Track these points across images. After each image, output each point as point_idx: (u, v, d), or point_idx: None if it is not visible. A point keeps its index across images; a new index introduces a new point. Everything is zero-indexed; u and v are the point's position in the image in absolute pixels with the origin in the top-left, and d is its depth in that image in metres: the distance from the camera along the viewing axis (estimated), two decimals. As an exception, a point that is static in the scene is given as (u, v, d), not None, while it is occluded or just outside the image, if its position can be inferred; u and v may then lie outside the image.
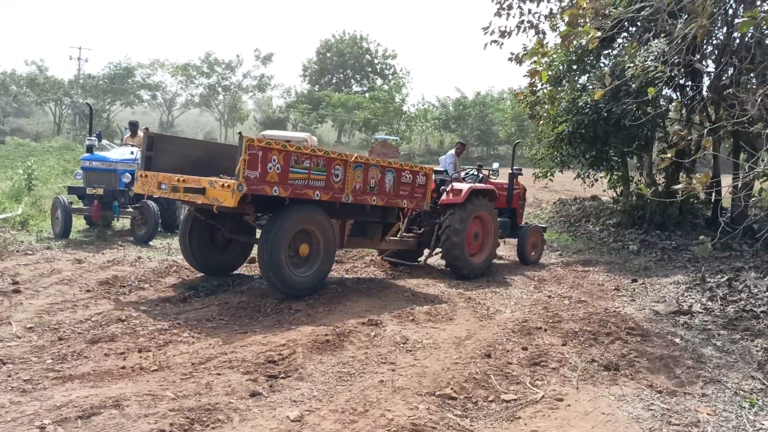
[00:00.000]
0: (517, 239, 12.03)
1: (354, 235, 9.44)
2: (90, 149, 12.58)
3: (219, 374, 4.97)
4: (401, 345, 6.09)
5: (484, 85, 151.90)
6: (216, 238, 8.80)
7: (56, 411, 4.03)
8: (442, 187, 10.37)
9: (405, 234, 10.60)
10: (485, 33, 13.16)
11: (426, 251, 10.73)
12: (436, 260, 11.00)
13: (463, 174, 11.83)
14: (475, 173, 11.79)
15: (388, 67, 75.39)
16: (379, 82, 72.87)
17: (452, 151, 12.93)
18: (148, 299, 7.39)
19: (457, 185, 10.20)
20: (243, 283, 8.54)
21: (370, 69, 75.15)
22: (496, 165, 12.32)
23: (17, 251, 9.78)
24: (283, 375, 5.07)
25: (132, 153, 12.76)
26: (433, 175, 10.05)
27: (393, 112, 60.75)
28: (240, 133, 7.01)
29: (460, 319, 7.32)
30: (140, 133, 13.63)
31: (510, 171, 12.30)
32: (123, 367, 5.06)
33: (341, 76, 75.09)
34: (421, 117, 62.25)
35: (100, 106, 55.81)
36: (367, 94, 66.03)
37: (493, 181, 11.89)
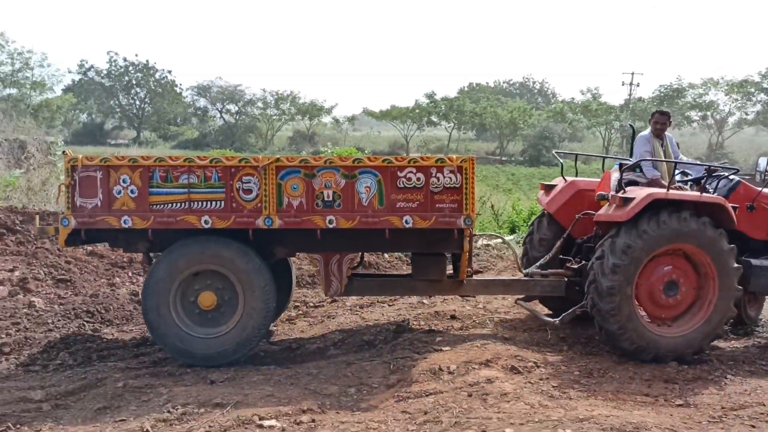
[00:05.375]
0: None
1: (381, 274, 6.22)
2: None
3: (753, 426, 4.38)
4: None
5: None
6: None
7: (578, 423, 4.17)
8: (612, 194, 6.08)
9: (539, 270, 6.52)
10: None
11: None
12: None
13: (678, 175, 6.51)
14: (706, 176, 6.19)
15: None
16: None
17: (646, 132, 6.96)
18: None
19: (632, 191, 5.94)
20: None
21: None
22: (763, 161, 6.49)
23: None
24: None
25: None
26: (614, 175, 6.29)
27: None
28: (64, 151, 5.43)
29: None
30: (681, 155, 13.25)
31: None
32: (647, 395, 4.94)
33: None
34: None
35: (648, 128, 56.55)
36: None
37: (762, 190, 6.41)
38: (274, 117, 64.48)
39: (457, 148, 61.98)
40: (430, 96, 61.89)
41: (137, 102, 63.91)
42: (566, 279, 6.37)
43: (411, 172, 5.52)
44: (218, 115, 64.97)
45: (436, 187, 5.54)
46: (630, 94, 61.35)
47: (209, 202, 5.45)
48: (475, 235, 6.35)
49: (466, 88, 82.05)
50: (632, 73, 65.10)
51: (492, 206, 13.90)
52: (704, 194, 5.91)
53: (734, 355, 6.12)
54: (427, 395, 4.77)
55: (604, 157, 7.14)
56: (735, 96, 58.79)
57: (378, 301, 7.84)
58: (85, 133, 58.25)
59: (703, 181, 6.18)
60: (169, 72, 69.36)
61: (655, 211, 5.67)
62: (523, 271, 6.68)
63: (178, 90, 64.64)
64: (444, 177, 5.55)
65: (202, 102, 64.94)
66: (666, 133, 6.86)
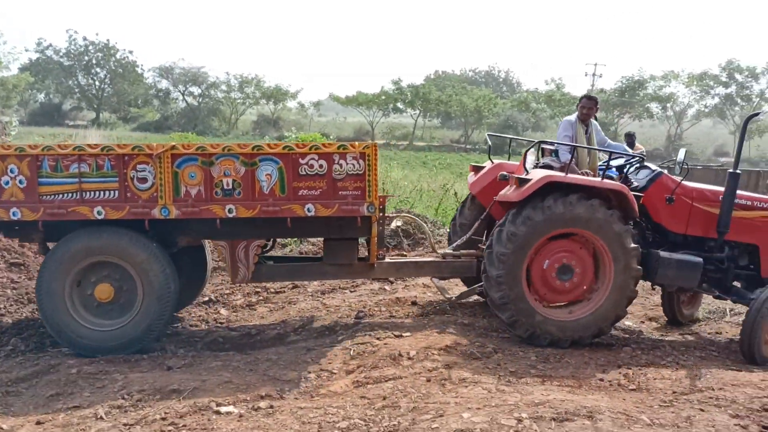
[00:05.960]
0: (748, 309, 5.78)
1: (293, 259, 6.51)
2: None
3: (702, 410, 4.47)
4: None
5: None
6: None
7: (534, 407, 4.23)
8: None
9: (451, 251, 6.56)
10: None
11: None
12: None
13: (610, 163, 6.46)
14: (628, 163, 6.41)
15: None
16: None
17: (572, 117, 6.91)
18: (635, 314, 7.21)
19: (533, 173, 5.88)
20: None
21: None
22: (681, 153, 6.20)
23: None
24: (784, 431, 4.26)
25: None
26: (530, 157, 6.48)
27: None
28: None
29: None
30: (638, 145, 13.49)
31: (730, 170, 6.01)
32: (601, 380, 5.04)
33: None
34: None
35: (609, 119, 57.47)
36: None
37: (682, 183, 6.09)
38: (238, 100, 63.54)
39: (422, 135, 62.06)
40: (397, 83, 61.74)
41: (97, 82, 62.25)
42: (478, 259, 6.28)
43: (313, 159, 5.46)
44: (180, 97, 63.76)
45: (339, 175, 5.50)
46: (592, 85, 62.19)
47: (102, 192, 5.29)
48: (388, 216, 6.36)
49: (432, 76, 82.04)
50: (595, 65, 66.06)
51: (455, 194, 13.93)
52: (605, 180, 5.79)
53: (686, 341, 6.29)
54: (386, 380, 4.79)
55: (539, 143, 7.12)
56: (694, 88, 60.08)
57: (339, 287, 7.82)
58: (42, 114, 56.63)
59: (624, 169, 6.22)
60: (131, 52, 67.92)
61: (543, 196, 5.61)
62: (437, 252, 6.64)
63: (140, 71, 63.16)
64: (347, 164, 5.49)
65: (164, 84, 63.61)
66: (592, 119, 6.88)
